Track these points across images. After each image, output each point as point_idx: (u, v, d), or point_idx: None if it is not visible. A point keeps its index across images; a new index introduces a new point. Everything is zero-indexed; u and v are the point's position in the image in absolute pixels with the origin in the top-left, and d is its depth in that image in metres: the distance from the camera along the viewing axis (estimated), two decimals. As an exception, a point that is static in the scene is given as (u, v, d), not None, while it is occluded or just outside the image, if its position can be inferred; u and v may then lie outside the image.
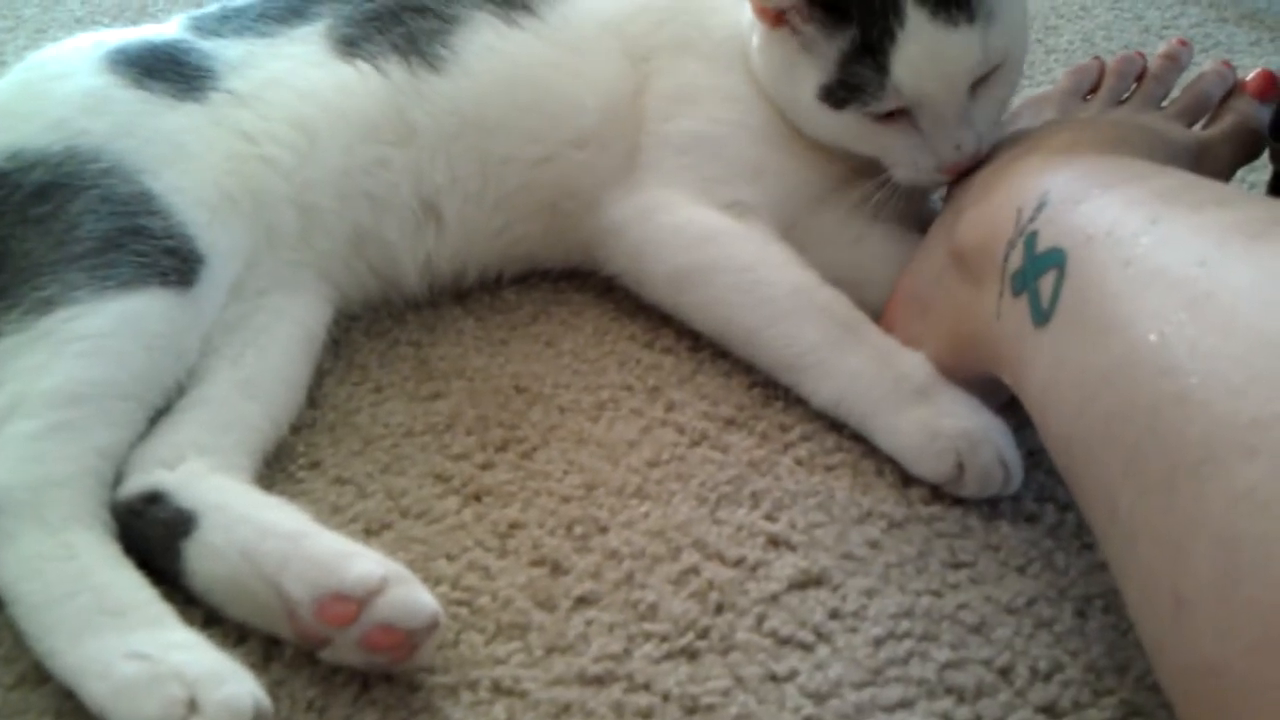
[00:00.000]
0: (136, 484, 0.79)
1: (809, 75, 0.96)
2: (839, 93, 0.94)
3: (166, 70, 0.95)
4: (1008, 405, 0.84)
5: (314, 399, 0.95)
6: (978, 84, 0.93)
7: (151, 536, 0.76)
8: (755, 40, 1.01)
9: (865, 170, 1.00)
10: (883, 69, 0.91)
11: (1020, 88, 1.43)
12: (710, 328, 0.99)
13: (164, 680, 0.65)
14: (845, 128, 0.97)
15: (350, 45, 1.01)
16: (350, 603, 0.69)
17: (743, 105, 1.04)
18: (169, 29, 1.02)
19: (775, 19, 0.97)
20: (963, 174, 0.95)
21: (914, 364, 0.89)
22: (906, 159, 0.96)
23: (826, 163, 1.03)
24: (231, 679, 0.66)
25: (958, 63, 0.91)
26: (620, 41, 1.07)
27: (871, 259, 1.01)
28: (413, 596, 0.70)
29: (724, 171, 1.02)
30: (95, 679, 0.66)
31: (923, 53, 0.90)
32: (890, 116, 0.94)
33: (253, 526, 0.74)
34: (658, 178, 1.02)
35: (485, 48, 1.03)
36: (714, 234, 0.98)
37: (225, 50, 0.99)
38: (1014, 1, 0.94)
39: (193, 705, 0.64)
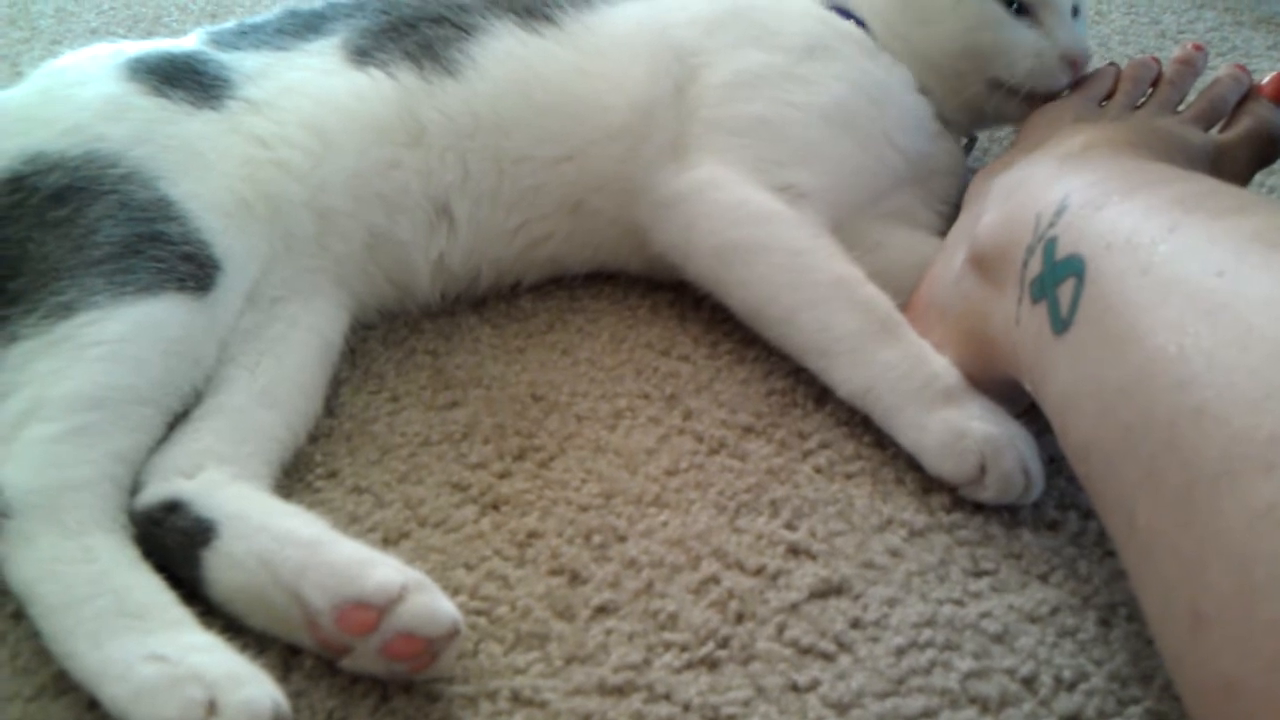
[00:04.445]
0: (155, 493, 0.79)
1: None
2: None
3: (184, 79, 0.95)
4: (1027, 411, 0.84)
5: (331, 408, 0.95)
6: None
7: (171, 546, 0.76)
8: None
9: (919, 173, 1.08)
10: None
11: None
12: (747, 306, 0.99)
13: (183, 682, 0.65)
14: (983, 17, 1.07)
15: (364, 55, 1.02)
16: (371, 611, 0.69)
17: (811, 88, 1.05)
18: (187, 42, 1.03)
19: None
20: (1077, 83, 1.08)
21: (945, 367, 0.89)
22: (1031, 49, 1.06)
23: (887, 152, 1.05)
24: (251, 681, 0.66)
25: None
26: (662, 42, 1.07)
27: (892, 265, 1.01)
28: (433, 604, 0.70)
29: (781, 154, 1.02)
30: (115, 681, 0.66)
31: None
32: (1022, 12, 1.07)
33: (271, 535, 0.74)
34: (713, 157, 1.02)
35: (504, 53, 1.04)
36: (769, 215, 0.98)
37: (242, 62, 0.99)
38: None
39: (212, 707, 0.64)
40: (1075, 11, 1.10)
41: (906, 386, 0.89)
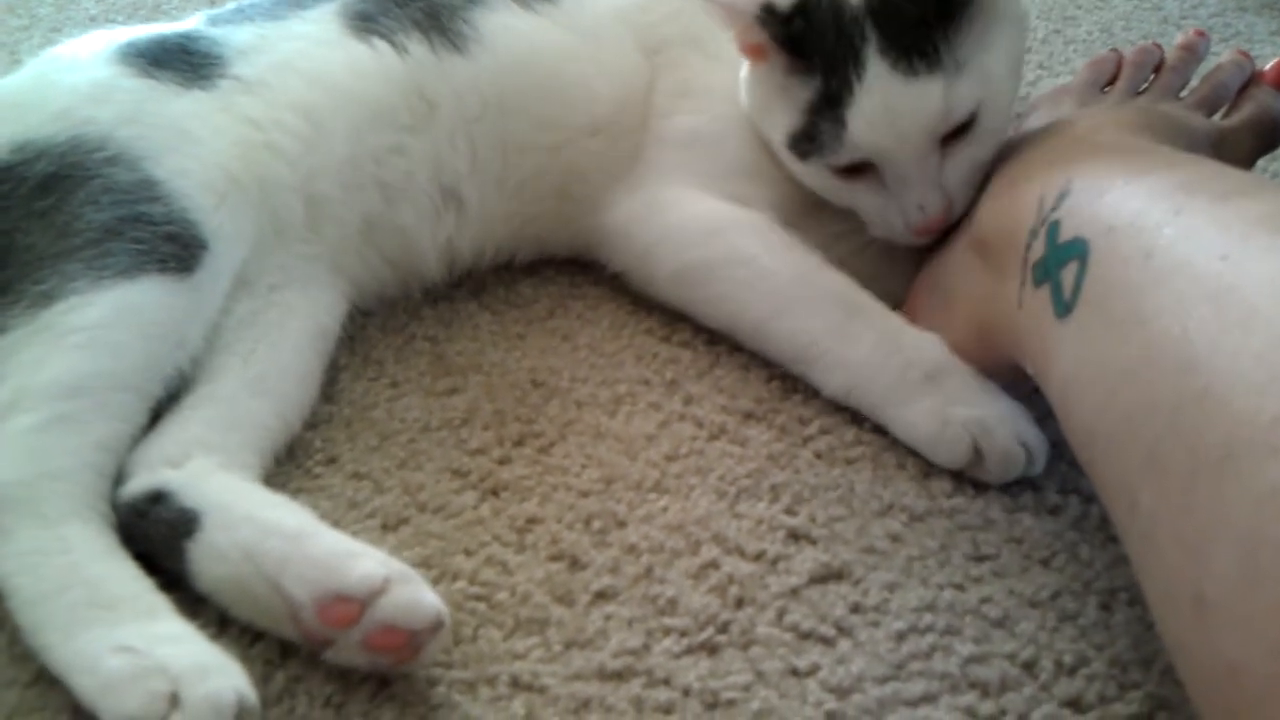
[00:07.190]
0: (141, 483, 0.78)
1: (781, 120, 0.94)
2: (802, 144, 0.93)
3: (174, 59, 0.94)
4: (1031, 395, 0.84)
5: (330, 395, 0.94)
6: (952, 140, 0.90)
7: (155, 537, 0.76)
8: (743, 71, 0.99)
9: None
10: (840, 121, 0.89)
11: (1039, 80, 1.44)
12: (719, 323, 0.99)
13: (148, 674, 0.64)
14: (814, 178, 0.96)
15: (366, 21, 1.01)
16: (352, 604, 0.68)
17: (739, 102, 1.01)
18: (188, 24, 1.01)
19: (757, 52, 0.95)
20: (941, 234, 0.93)
21: (923, 347, 0.89)
22: (876, 216, 0.94)
23: None
24: (216, 673, 0.65)
25: (917, 117, 0.88)
26: (633, 32, 1.06)
27: (887, 253, 0.99)
28: (416, 596, 0.69)
29: (723, 168, 1.01)
30: (84, 673, 0.66)
31: (880, 106, 0.88)
32: (856, 172, 0.92)
33: (255, 526, 0.74)
34: (659, 174, 1.02)
35: (503, 27, 1.02)
36: (716, 229, 0.97)
37: (234, 35, 0.98)
38: (997, 42, 0.90)
39: (175, 700, 0.63)
40: (967, 127, 0.90)
41: (884, 380, 0.89)
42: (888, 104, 0.87)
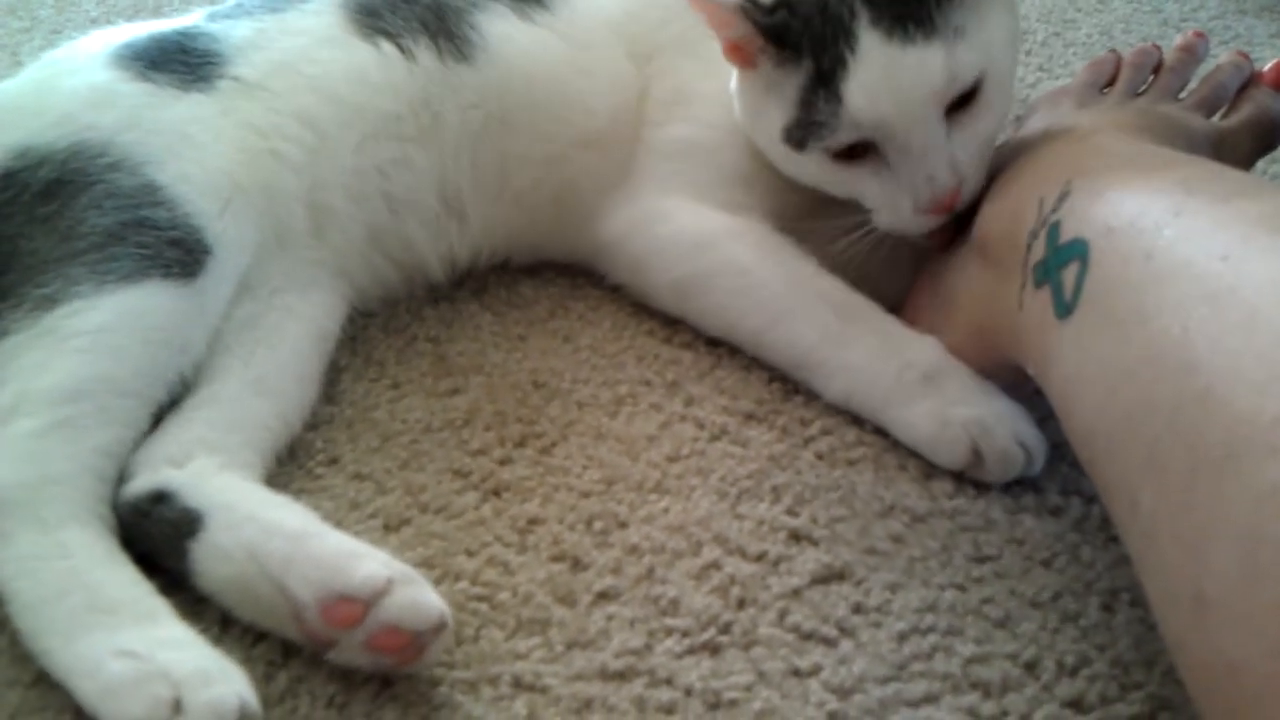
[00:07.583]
0: (144, 483, 0.78)
1: (775, 117, 0.92)
2: (797, 132, 0.90)
3: (171, 61, 0.93)
4: (1032, 396, 0.84)
5: (332, 395, 0.94)
6: (956, 110, 0.87)
7: (158, 536, 0.76)
8: (733, 82, 0.98)
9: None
10: (837, 97, 0.86)
11: (1039, 82, 1.44)
12: (718, 332, 0.99)
13: (151, 679, 0.64)
14: (814, 170, 0.93)
15: (372, 18, 1.00)
16: (356, 604, 0.68)
17: (729, 109, 1.00)
18: (188, 20, 1.00)
19: (745, 58, 0.93)
20: (960, 220, 0.90)
21: (920, 349, 0.89)
22: (883, 201, 0.90)
23: None
24: (219, 679, 0.65)
25: (917, 83, 0.85)
26: (624, 41, 1.05)
27: (885, 257, 0.97)
28: (420, 597, 0.69)
29: (717, 176, 1.01)
30: (85, 678, 0.66)
31: (877, 75, 0.85)
32: (857, 155, 0.89)
33: (259, 526, 0.74)
34: (652, 185, 1.01)
35: (505, 35, 1.02)
36: (710, 239, 0.97)
37: (232, 31, 0.97)
38: (991, 14, 0.88)
39: (178, 705, 0.63)
40: (971, 99, 0.88)
41: (882, 385, 0.89)
42: (886, 73, 0.85)
